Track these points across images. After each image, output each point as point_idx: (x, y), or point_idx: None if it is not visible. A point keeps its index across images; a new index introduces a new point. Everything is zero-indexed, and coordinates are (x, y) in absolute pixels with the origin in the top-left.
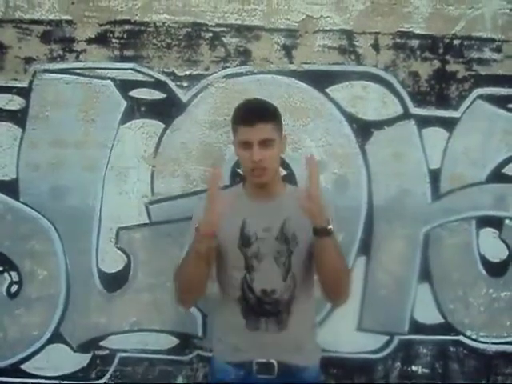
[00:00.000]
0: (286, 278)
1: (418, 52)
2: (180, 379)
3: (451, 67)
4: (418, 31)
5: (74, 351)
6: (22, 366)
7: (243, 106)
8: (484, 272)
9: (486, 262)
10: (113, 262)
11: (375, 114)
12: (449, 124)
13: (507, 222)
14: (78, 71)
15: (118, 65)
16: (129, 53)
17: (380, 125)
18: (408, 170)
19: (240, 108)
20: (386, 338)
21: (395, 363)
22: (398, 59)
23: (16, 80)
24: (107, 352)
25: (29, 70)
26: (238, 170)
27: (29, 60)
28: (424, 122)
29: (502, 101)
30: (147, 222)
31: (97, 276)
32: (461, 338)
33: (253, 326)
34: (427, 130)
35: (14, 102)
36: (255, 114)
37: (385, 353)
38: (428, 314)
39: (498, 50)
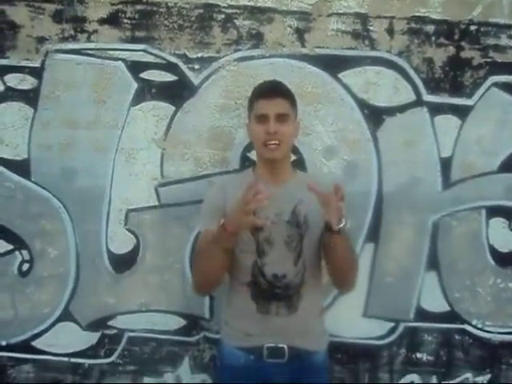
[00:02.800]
0: (297, 263)
1: (433, 38)
2: (187, 359)
3: (466, 54)
4: (433, 16)
5: (84, 330)
6: (33, 343)
7: (262, 83)
8: (492, 262)
9: (494, 252)
10: (122, 244)
11: (387, 101)
12: (462, 112)
13: None
14: (89, 52)
15: (130, 46)
16: (140, 34)
17: (392, 111)
18: (419, 157)
19: (259, 85)
20: (392, 324)
21: (400, 350)
22: (413, 45)
23: (28, 60)
24: (115, 331)
25: (41, 50)
26: (248, 155)
27: (41, 39)
28: (437, 110)
29: None
30: (156, 204)
31: (106, 257)
32: (466, 326)
33: (263, 310)
34: (440, 118)
35: (26, 82)
36: (274, 88)
37: (390, 339)
38: (434, 302)
39: None
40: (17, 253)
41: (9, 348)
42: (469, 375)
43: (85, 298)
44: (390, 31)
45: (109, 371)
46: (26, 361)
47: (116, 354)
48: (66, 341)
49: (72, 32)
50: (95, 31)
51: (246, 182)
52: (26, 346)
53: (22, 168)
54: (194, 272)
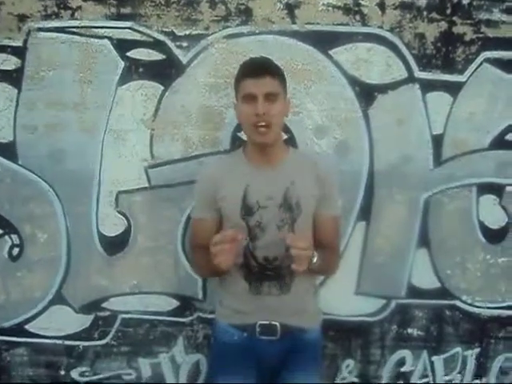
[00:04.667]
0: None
1: (425, 12)
2: (181, 340)
3: (458, 29)
4: None
5: (77, 312)
6: (26, 326)
7: (249, 60)
8: (482, 238)
9: (484, 229)
10: (113, 226)
11: (379, 78)
12: (454, 88)
13: (508, 188)
14: (73, 30)
15: (115, 23)
16: (126, 10)
17: (384, 89)
18: (410, 135)
19: (245, 63)
20: (384, 301)
21: (391, 326)
22: (404, 20)
23: (10, 39)
24: (109, 313)
25: (23, 29)
26: (239, 135)
27: (22, 17)
28: (428, 87)
29: (510, 65)
30: (147, 185)
31: (97, 239)
32: (457, 302)
33: (256, 290)
34: (431, 95)
35: (9, 62)
36: (262, 67)
37: (381, 316)
38: (425, 279)
39: (508, 11)
40: (6, 237)
41: (2, 332)
42: (458, 349)
43: (77, 281)
44: (382, 6)
45: (103, 353)
46: (19, 344)
47: (110, 336)
48: (60, 324)
49: (55, 9)
50: (79, 8)
51: (237, 164)
52: (19, 330)
53: (8, 151)
54: (192, 263)
